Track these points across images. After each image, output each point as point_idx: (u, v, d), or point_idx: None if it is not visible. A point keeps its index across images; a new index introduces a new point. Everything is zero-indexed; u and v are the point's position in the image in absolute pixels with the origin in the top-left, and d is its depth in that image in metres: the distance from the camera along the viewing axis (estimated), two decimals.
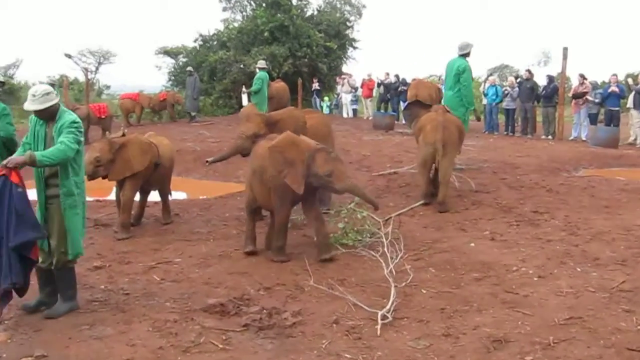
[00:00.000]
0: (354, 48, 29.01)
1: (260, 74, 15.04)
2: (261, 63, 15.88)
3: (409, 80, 19.71)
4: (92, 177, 7.07)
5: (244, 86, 17.77)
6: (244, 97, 16.74)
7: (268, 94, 15.69)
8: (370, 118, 20.96)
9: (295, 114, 7.89)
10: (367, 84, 22.49)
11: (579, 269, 5.70)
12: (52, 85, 13.34)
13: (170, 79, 28.19)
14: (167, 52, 28.34)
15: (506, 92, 17.51)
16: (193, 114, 20.72)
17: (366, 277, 5.71)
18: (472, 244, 6.66)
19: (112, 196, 9.75)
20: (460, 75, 9.96)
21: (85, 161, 6.79)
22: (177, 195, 9.49)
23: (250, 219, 6.62)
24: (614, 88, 15.38)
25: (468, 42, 10.22)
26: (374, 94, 22.91)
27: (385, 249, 5.83)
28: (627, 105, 15.93)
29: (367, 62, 74.28)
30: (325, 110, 22.91)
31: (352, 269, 5.97)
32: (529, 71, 17.61)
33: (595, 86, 16.37)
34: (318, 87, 24.32)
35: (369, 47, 77.05)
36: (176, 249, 6.75)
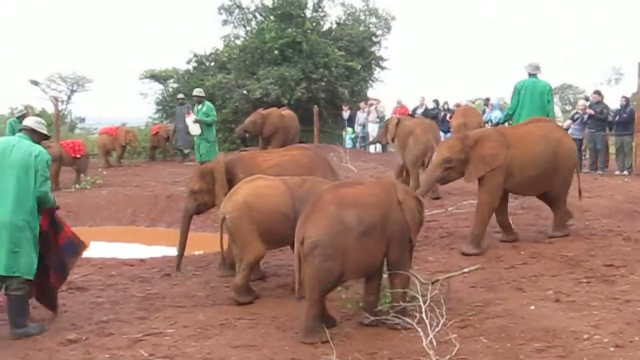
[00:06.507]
0: (382, 68, 29.24)
1: (208, 104, 14.97)
2: (198, 91, 15.54)
3: (451, 106, 19.82)
4: None
5: (189, 108, 16.70)
6: (194, 127, 14.84)
7: (271, 124, 15.68)
8: None
9: (220, 159, 8.31)
10: (399, 112, 22.44)
11: None
12: (22, 116, 13.39)
13: (157, 109, 28.46)
14: (155, 77, 28.61)
15: (576, 117, 17.23)
16: (186, 151, 20.68)
17: (402, 349, 5.73)
18: (532, 307, 6.65)
19: (87, 253, 9.85)
20: (548, 97, 11.58)
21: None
22: (167, 250, 9.54)
23: (323, 300, 6.21)
24: None
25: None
26: None
27: (424, 315, 5.82)
28: None
29: (397, 85, 74.58)
30: (348, 144, 22.92)
31: (384, 339, 5.98)
32: (598, 92, 17.47)
33: None
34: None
35: (400, 68, 77.54)
36: (168, 318, 6.78)
